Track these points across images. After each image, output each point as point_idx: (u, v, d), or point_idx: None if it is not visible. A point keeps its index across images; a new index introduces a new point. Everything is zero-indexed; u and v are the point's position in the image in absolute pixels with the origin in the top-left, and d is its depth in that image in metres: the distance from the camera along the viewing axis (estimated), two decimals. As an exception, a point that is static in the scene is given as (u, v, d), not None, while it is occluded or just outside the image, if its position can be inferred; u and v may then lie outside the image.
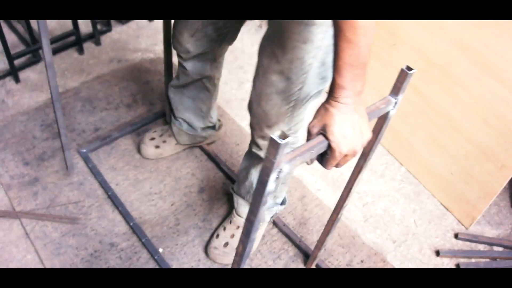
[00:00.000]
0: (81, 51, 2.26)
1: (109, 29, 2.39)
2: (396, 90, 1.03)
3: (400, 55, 1.82)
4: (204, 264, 1.61)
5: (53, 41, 2.21)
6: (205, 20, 1.40)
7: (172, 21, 1.57)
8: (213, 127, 1.86)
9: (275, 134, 0.75)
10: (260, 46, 1.19)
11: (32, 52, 2.16)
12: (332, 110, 0.90)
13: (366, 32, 0.86)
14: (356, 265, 1.65)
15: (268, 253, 1.65)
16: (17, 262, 1.56)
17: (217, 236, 1.62)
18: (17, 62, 2.09)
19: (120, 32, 2.41)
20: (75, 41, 2.24)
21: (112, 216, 1.69)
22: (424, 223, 1.80)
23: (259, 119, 1.27)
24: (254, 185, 1.48)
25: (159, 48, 2.28)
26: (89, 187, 1.76)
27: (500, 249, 1.78)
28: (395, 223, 1.79)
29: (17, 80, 2.08)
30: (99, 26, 2.31)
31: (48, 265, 1.54)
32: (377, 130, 1.14)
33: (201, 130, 1.82)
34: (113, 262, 1.57)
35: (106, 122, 1.98)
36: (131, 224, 1.66)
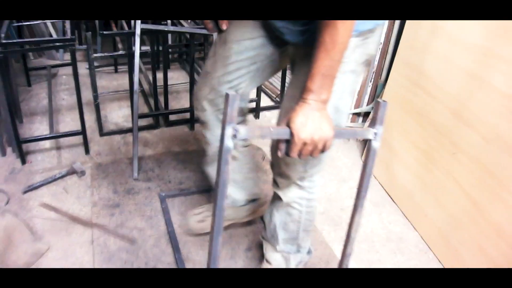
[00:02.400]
0: (191, 128, 2.68)
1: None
2: (373, 121, 1.18)
3: (459, 164, 1.89)
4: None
5: (172, 112, 2.73)
6: (221, 79, 1.47)
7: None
8: (254, 201, 1.89)
9: (230, 90, 0.96)
10: (285, 93, 1.43)
11: (154, 116, 2.64)
12: (297, 108, 1.10)
13: (342, 49, 1.07)
14: None
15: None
16: (75, 259, 1.84)
17: None
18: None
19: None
20: (190, 119, 2.69)
21: (164, 248, 1.91)
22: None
23: (277, 158, 1.45)
24: (277, 227, 1.62)
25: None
26: (156, 221, 2.03)
27: None
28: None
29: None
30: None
31: (96, 267, 1.79)
32: (365, 162, 1.26)
33: (244, 203, 1.86)
34: (149, 279, 1.77)
35: (190, 180, 2.30)
36: (177, 257, 1.86)
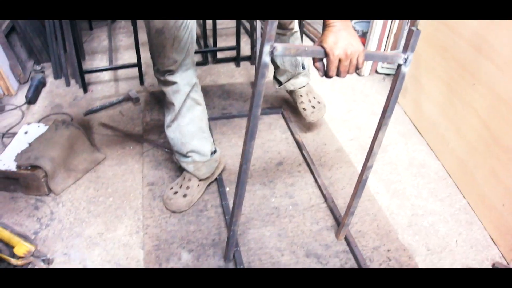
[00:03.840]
0: (238, 65, 2.91)
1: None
2: (405, 47, 1.29)
3: (477, 94, 2.01)
4: (250, 207, 1.95)
5: (219, 50, 2.98)
6: (176, 25, 1.56)
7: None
8: (215, 152, 1.96)
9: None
10: None
11: (203, 53, 2.91)
12: (325, 32, 1.23)
13: None
14: (382, 252, 1.80)
15: (310, 217, 1.92)
16: (127, 166, 2.12)
17: None
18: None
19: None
20: (236, 57, 2.91)
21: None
22: (466, 245, 1.87)
23: None
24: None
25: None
26: (199, 141, 2.27)
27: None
28: (437, 237, 1.89)
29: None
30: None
31: (145, 173, 2.06)
32: (392, 86, 1.35)
33: (209, 156, 1.91)
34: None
35: (232, 107, 2.53)
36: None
